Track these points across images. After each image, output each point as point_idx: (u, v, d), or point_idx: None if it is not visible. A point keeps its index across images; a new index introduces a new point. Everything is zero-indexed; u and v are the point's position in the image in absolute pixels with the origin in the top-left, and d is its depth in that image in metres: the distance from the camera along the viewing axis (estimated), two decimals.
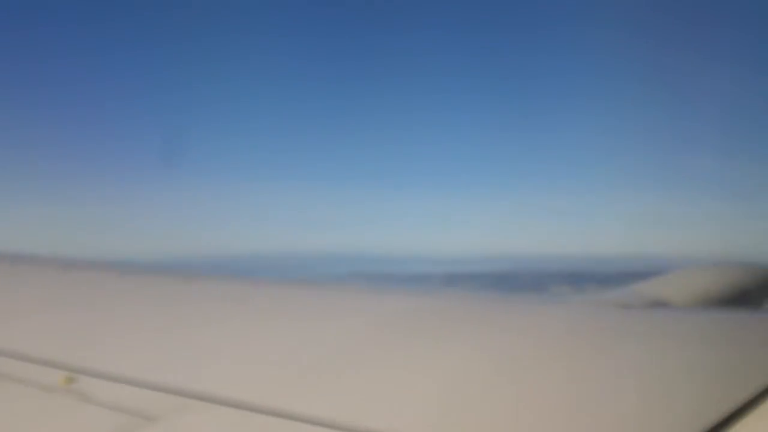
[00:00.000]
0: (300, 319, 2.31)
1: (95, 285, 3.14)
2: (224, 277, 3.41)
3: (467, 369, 1.62)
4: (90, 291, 3.00)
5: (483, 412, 1.34)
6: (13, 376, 1.76)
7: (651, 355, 1.69)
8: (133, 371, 1.70)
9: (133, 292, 2.95)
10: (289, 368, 1.70)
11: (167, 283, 3.18)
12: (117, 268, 3.47)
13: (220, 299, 2.76)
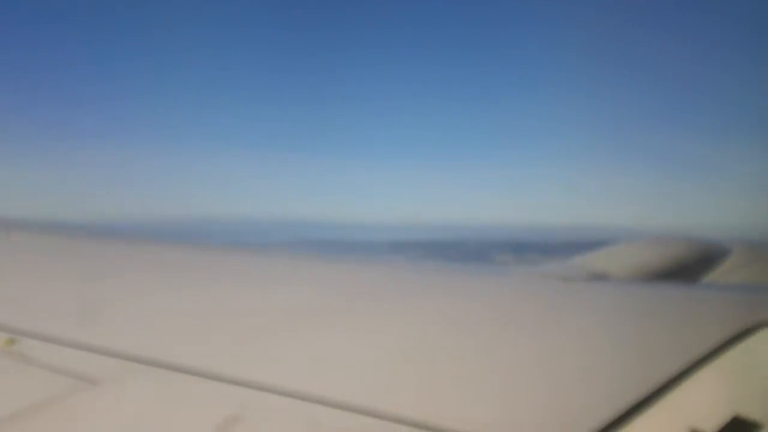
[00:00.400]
0: (248, 286, 2.33)
1: (40, 247, 3.11)
2: (173, 242, 3.44)
3: (406, 339, 1.63)
4: (34, 253, 2.97)
5: (421, 382, 1.35)
6: None
7: (589, 327, 1.73)
8: (76, 334, 1.68)
9: (80, 255, 2.94)
10: (234, 335, 1.71)
11: (115, 246, 3.20)
12: (65, 230, 3.47)
13: (168, 265, 2.78)
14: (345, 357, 1.51)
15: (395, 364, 1.46)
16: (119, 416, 1.26)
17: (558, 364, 1.44)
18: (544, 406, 1.23)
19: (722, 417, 1.17)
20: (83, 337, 1.64)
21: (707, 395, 1.27)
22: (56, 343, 1.63)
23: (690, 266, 3.34)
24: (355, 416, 1.20)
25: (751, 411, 1.19)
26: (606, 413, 1.15)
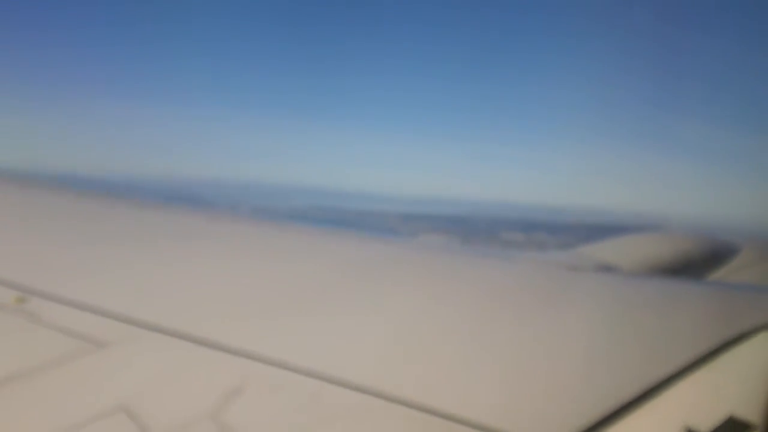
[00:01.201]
0: (258, 257, 2.33)
1: (53, 206, 3.07)
2: (184, 206, 3.39)
3: (410, 321, 1.65)
4: (48, 212, 2.93)
5: (422, 365, 1.37)
6: None
7: (593, 319, 1.73)
8: (86, 296, 1.69)
9: (92, 215, 2.91)
10: (241, 306, 1.72)
11: (126, 207, 3.16)
12: (76, 189, 3.43)
13: (179, 230, 2.76)
14: (348, 336, 1.52)
15: (397, 346, 1.47)
16: (124, 380, 1.28)
17: (559, 355, 1.45)
18: (540, 397, 1.25)
19: (718, 416, 1.19)
20: (92, 300, 1.66)
21: (704, 394, 1.28)
22: (65, 304, 1.64)
23: (698, 262, 3.32)
24: (357, 394, 1.22)
25: (746, 412, 1.21)
26: (603, 407, 1.17)
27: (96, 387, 1.26)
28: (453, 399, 1.22)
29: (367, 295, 1.87)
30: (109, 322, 1.54)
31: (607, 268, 2.73)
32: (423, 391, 1.23)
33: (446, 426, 1.15)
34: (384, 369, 1.34)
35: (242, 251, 2.46)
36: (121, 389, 1.25)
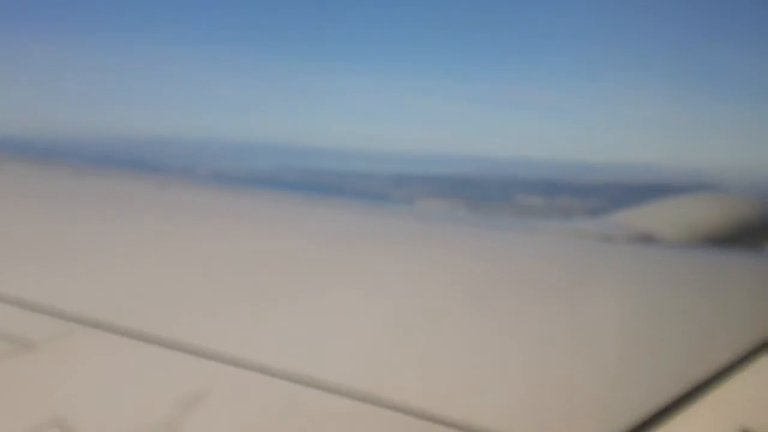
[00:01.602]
0: (223, 236, 2.33)
1: None
2: (130, 172, 3.35)
3: (407, 310, 1.64)
4: None
5: (422, 364, 1.36)
6: None
7: (632, 300, 1.74)
8: (7, 287, 1.68)
9: (15, 186, 2.89)
10: (202, 296, 1.72)
11: (65, 173, 3.13)
12: (7, 148, 3.41)
13: (126, 201, 2.75)
14: (334, 330, 1.52)
15: (391, 341, 1.47)
16: (57, 387, 1.26)
17: (594, 345, 1.46)
18: (569, 399, 1.24)
19: (731, 429, 1.18)
20: (16, 292, 1.65)
21: (765, 389, 1.29)
22: None
23: (757, 230, 3.34)
24: (341, 399, 1.22)
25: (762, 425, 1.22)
26: (644, 406, 1.18)
27: (24, 395, 1.24)
28: (460, 404, 1.22)
29: (351, 279, 1.87)
30: (37, 318, 1.53)
31: (647, 239, 2.75)
32: (423, 395, 1.23)
33: None
34: (374, 369, 1.33)
35: (198, 225, 2.46)
36: (54, 399, 1.23)
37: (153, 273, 1.88)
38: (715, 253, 2.77)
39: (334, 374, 1.29)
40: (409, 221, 2.81)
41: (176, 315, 1.59)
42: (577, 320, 1.61)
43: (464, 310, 1.66)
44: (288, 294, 1.75)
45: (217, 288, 1.77)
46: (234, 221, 2.54)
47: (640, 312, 1.67)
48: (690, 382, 1.25)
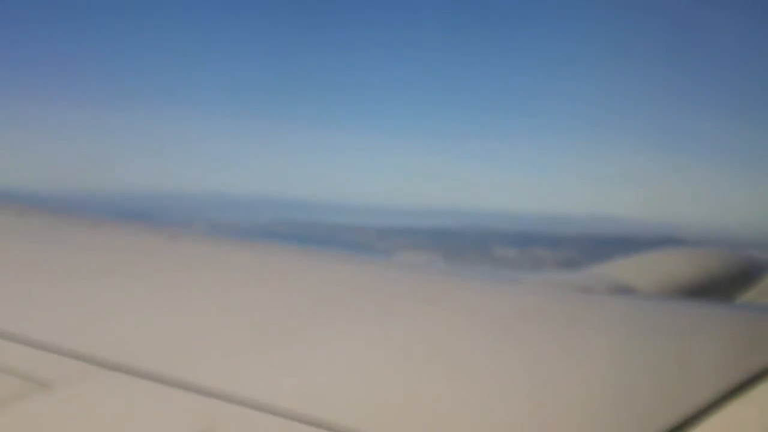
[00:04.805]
0: (226, 284, 2.35)
1: None
2: (146, 223, 3.40)
3: (398, 357, 1.65)
4: None
5: (413, 406, 1.38)
6: None
7: (611, 348, 1.76)
8: (27, 330, 1.69)
9: (38, 236, 2.93)
10: (208, 340, 1.73)
11: (80, 227, 3.18)
12: (13, 204, 3.43)
13: (138, 253, 2.77)
14: (328, 372, 1.54)
15: (383, 384, 1.49)
16: (73, 426, 1.27)
17: (572, 390, 1.47)
18: None
19: None
20: (35, 334, 1.66)
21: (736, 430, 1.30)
22: (4, 339, 1.64)
23: (725, 282, 3.39)
24: None
25: None
26: None
27: None
28: None
29: (343, 327, 1.89)
30: (55, 359, 1.53)
31: (625, 290, 2.78)
32: None
33: None
34: (367, 409, 1.35)
35: (206, 275, 2.48)
36: None
37: (165, 319, 1.89)
38: (689, 304, 2.80)
39: (329, 412, 1.31)
40: (393, 273, 2.83)
41: (187, 357, 1.60)
42: (563, 366, 1.62)
43: (456, 357, 1.66)
44: (287, 339, 1.77)
45: (224, 333, 1.79)
46: (237, 272, 2.56)
47: (622, 358, 1.69)
48: (666, 425, 1.26)
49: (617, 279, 2.96)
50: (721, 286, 3.32)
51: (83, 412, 1.33)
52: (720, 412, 1.33)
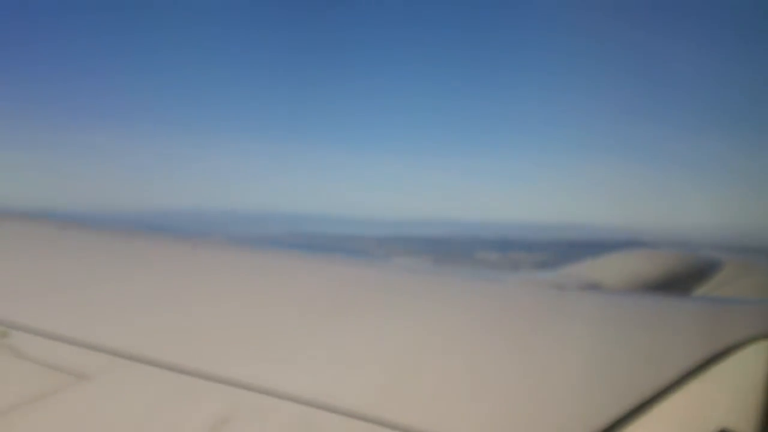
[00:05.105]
0: (241, 284, 2.39)
1: (33, 237, 3.13)
2: (165, 236, 3.44)
3: (398, 345, 1.70)
4: (27, 244, 2.98)
5: (411, 389, 1.41)
6: None
7: (582, 337, 1.79)
8: (67, 329, 1.72)
9: (73, 248, 2.95)
10: (226, 334, 1.76)
11: (108, 239, 3.24)
12: (54, 220, 3.44)
13: (162, 260, 2.82)
14: (338, 360, 1.57)
15: (387, 369, 1.51)
16: (109, 413, 1.29)
17: (551, 374, 1.50)
18: (532, 417, 1.29)
19: (709, 430, 1.24)
20: (74, 333, 1.68)
21: (696, 408, 1.33)
22: (47, 338, 1.67)
23: (682, 279, 3.42)
24: (347, 419, 1.26)
25: (738, 424, 1.26)
26: (595, 424, 1.22)
27: (80, 420, 1.27)
28: (444, 424, 1.25)
29: (351, 321, 1.91)
30: (92, 354, 1.56)
31: (594, 287, 2.80)
32: (415, 417, 1.26)
33: None
34: (374, 393, 1.38)
35: (226, 278, 2.51)
36: (106, 422, 1.26)
37: (190, 316, 1.91)
38: (652, 298, 2.83)
39: (343, 399, 1.34)
40: (391, 274, 2.84)
41: (209, 351, 1.63)
42: (542, 354, 1.66)
43: (448, 345, 1.70)
44: (299, 332, 1.80)
45: (242, 328, 1.82)
46: (253, 275, 2.57)
47: (594, 345, 1.71)
48: (634, 402, 1.31)
49: (587, 277, 2.98)
50: (679, 282, 3.35)
51: (116, 401, 1.35)
52: (683, 389, 1.39)
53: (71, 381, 1.41)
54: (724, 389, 1.41)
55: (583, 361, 1.57)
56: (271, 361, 1.55)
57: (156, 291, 2.20)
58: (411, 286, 2.51)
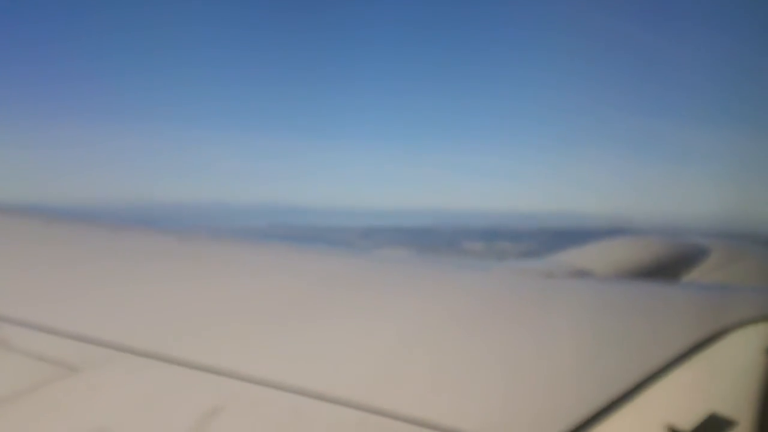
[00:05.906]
0: (230, 275, 2.37)
1: (20, 231, 3.08)
2: (153, 228, 3.39)
3: (388, 334, 1.67)
4: (14, 237, 2.93)
5: (402, 377, 1.39)
6: None
7: (571, 324, 1.78)
8: (56, 321, 1.70)
9: (61, 240, 2.93)
10: (215, 325, 1.74)
11: (96, 231, 3.19)
12: (43, 213, 3.42)
13: (149, 252, 2.78)
14: (326, 350, 1.55)
15: (376, 358, 1.50)
16: (100, 404, 1.27)
17: (540, 361, 1.48)
18: (522, 403, 1.27)
19: (699, 414, 1.22)
20: (64, 325, 1.65)
21: (685, 393, 1.32)
22: (37, 330, 1.64)
23: (671, 265, 3.45)
24: (337, 408, 1.24)
25: (727, 409, 1.25)
26: (584, 410, 1.20)
27: (71, 412, 1.25)
28: (436, 411, 1.24)
29: (340, 310, 1.89)
30: (82, 346, 1.54)
31: (583, 274, 2.82)
32: (406, 404, 1.26)
33: None
34: (364, 382, 1.36)
35: (214, 269, 2.48)
36: (98, 414, 1.24)
37: (178, 308, 1.89)
38: (640, 284, 2.84)
39: (332, 388, 1.31)
40: (377, 265, 2.85)
41: (198, 341, 1.61)
42: (532, 339, 1.64)
43: (438, 333, 1.68)
44: (288, 322, 1.77)
45: (231, 319, 1.78)
46: (240, 266, 2.56)
47: (584, 331, 1.71)
48: (622, 388, 1.29)
49: (576, 264, 2.99)
50: (666, 268, 3.38)
51: (107, 393, 1.33)
52: (671, 374, 1.37)
53: (62, 373, 1.39)
54: (712, 374, 1.41)
55: (573, 347, 1.57)
56: (260, 352, 1.53)
57: (144, 283, 2.17)
58: (397, 277, 2.50)
